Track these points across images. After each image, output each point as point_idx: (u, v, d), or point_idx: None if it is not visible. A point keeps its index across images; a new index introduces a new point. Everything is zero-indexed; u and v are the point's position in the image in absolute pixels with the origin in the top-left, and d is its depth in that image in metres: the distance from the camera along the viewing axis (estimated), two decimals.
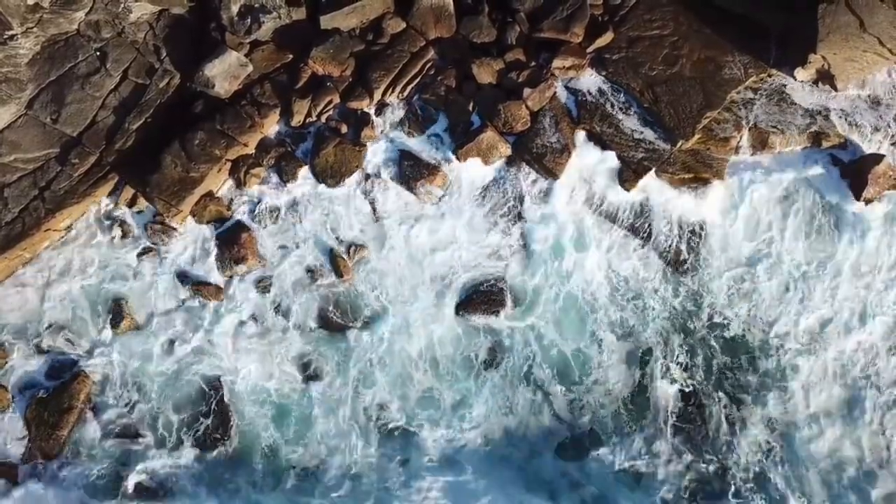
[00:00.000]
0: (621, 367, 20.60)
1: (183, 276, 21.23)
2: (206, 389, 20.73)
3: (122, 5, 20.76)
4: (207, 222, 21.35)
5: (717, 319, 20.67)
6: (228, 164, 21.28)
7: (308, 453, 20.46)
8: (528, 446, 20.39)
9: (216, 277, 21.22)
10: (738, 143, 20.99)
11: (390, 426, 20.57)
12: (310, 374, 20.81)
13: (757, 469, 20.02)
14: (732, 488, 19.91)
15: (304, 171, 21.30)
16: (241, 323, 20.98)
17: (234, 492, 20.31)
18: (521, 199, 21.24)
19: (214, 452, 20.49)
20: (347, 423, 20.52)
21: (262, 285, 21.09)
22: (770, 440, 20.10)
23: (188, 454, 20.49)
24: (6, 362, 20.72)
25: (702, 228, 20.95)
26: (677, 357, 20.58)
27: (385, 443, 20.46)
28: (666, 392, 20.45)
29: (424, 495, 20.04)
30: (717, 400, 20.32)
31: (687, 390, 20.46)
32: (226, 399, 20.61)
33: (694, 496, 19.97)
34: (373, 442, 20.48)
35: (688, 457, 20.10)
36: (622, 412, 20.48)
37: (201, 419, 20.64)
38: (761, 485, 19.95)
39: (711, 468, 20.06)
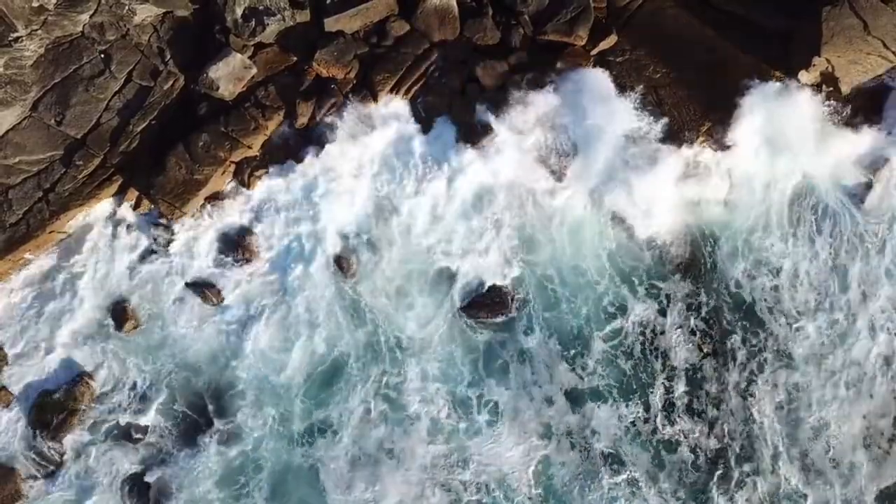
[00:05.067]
0: None
1: (186, 278, 21.17)
2: None
3: (127, 7, 20.75)
4: (211, 224, 21.30)
5: None
6: (232, 166, 21.27)
7: None
8: None
9: (219, 279, 21.18)
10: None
11: None
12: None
13: None
14: None
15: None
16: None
17: None
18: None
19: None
20: None
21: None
22: None
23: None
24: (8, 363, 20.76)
25: None
26: None
27: None
28: None
29: None
30: None
31: None
32: None
33: None
34: None
35: None
36: None
37: None
38: None
39: None
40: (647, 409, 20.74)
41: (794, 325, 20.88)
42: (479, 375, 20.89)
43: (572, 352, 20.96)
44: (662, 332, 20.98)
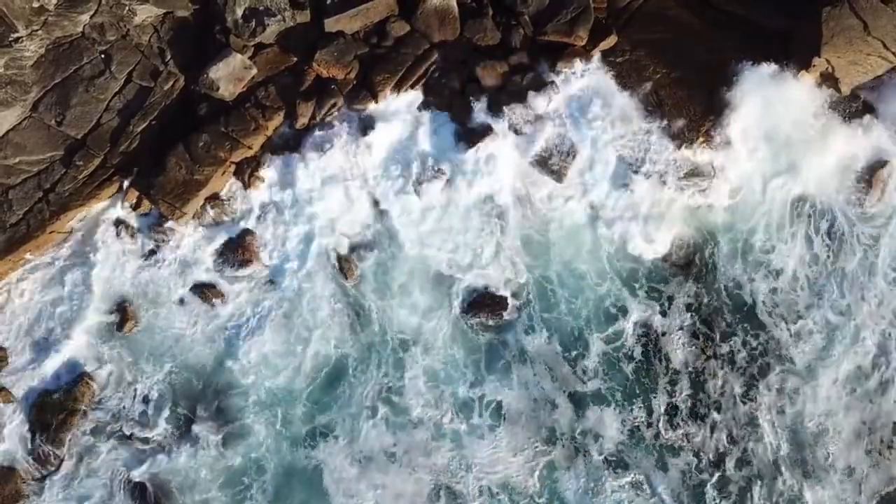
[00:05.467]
0: None
1: (187, 279, 21.15)
2: None
3: (127, 8, 20.75)
4: (212, 225, 21.33)
5: None
6: (233, 167, 21.27)
7: None
8: None
9: (220, 280, 21.17)
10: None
11: None
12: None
13: None
14: None
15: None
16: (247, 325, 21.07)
17: None
18: None
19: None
20: None
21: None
22: None
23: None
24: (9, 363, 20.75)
25: None
26: None
27: None
28: None
29: None
30: None
31: None
32: None
33: None
34: None
35: None
36: None
37: None
38: None
39: None
40: (648, 412, 20.70)
41: (794, 329, 20.86)
42: (482, 377, 20.86)
43: (573, 353, 20.94)
44: (664, 334, 20.94)
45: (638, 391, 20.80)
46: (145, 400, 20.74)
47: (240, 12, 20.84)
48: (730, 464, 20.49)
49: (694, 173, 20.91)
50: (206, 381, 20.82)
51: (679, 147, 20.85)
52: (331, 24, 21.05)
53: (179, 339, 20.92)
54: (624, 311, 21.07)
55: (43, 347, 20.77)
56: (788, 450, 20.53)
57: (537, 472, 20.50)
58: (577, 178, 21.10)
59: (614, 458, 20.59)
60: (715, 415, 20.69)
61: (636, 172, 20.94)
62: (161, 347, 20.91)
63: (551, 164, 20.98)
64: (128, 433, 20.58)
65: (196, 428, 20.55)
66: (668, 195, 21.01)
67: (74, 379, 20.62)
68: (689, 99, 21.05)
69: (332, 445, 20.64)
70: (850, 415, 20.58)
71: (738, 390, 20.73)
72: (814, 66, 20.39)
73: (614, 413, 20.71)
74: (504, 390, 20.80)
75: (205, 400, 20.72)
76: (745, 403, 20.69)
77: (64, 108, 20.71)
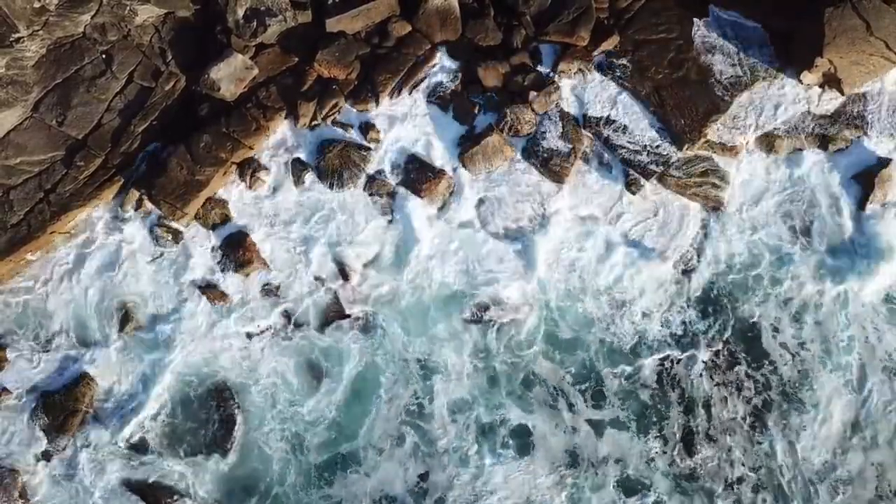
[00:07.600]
0: None
1: (188, 279, 21.15)
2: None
3: (128, 8, 20.75)
4: (212, 225, 21.32)
5: None
6: (234, 167, 21.27)
7: None
8: None
9: (221, 280, 21.15)
10: (746, 147, 21.02)
11: None
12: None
13: None
14: None
15: (310, 174, 21.28)
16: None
17: None
18: None
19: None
20: None
21: (268, 289, 21.07)
22: None
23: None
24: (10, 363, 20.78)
25: None
26: None
27: None
28: None
29: None
30: None
31: None
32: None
33: None
34: None
35: None
36: None
37: None
38: None
39: None
40: (664, 441, 20.57)
41: (801, 366, 20.65)
42: (503, 402, 20.74)
43: (586, 384, 20.86)
44: (679, 362, 20.78)
45: (655, 419, 20.66)
46: (146, 403, 20.71)
47: (241, 12, 20.82)
48: (742, 492, 20.34)
49: (698, 175, 20.87)
50: (208, 385, 20.83)
51: (681, 148, 20.80)
52: (332, 25, 21.03)
53: (181, 342, 20.88)
54: (640, 342, 20.88)
55: (43, 348, 20.81)
56: (797, 487, 20.26)
57: (564, 493, 20.38)
58: (578, 180, 21.07)
59: (636, 479, 20.43)
60: (725, 444, 20.50)
61: (638, 174, 20.88)
62: (162, 349, 20.88)
63: (552, 165, 20.95)
64: (128, 435, 20.58)
65: (198, 438, 20.67)
66: (671, 198, 20.99)
67: (75, 379, 20.65)
68: (690, 99, 21.00)
69: (355, 478, 20.56)
70: (861, 455, 20.29)
71: (747, 422, 20.51)
72: (816, 66, 20.34)
73: (634, 439, 20.56)
74: (527, 414, 20.62)
75: (207, 405, 20.76)
76: (753, 434, 20.49)
77: (65, 108, 20.72)
